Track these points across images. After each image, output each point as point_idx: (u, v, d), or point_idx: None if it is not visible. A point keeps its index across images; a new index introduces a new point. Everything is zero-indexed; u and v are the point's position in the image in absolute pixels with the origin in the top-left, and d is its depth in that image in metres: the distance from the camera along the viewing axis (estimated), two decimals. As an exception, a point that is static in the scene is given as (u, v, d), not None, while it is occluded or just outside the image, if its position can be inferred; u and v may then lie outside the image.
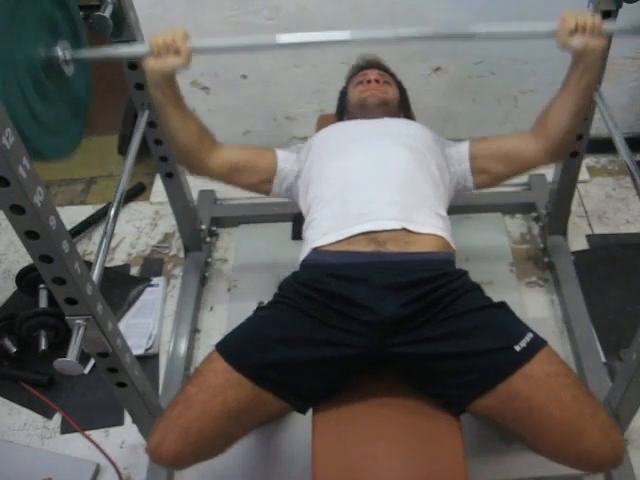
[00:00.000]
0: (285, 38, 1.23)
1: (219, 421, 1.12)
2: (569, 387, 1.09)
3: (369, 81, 1.54)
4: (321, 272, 1.22)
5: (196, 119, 1.37)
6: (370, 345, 1.16)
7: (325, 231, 1.28)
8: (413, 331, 1.16)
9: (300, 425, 1.24)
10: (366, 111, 1.51)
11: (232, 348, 1.19)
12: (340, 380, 1.21)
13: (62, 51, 1.14)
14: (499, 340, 1.13)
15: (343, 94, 1.65)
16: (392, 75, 1.63)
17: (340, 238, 1.25)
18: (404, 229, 1.24)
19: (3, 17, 0.98)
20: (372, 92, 1.52)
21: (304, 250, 1.31)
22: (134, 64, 1.41)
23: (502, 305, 1.21)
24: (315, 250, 1.27)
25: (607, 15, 1.33)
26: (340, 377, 1.20)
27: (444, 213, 1.34)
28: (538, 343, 1.14)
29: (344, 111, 1.62)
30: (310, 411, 1.22)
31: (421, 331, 1.16)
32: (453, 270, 1.24)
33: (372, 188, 1.31)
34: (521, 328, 1.16)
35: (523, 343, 1.12)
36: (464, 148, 1.43)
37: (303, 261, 1.30)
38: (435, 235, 1.26)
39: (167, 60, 1.20)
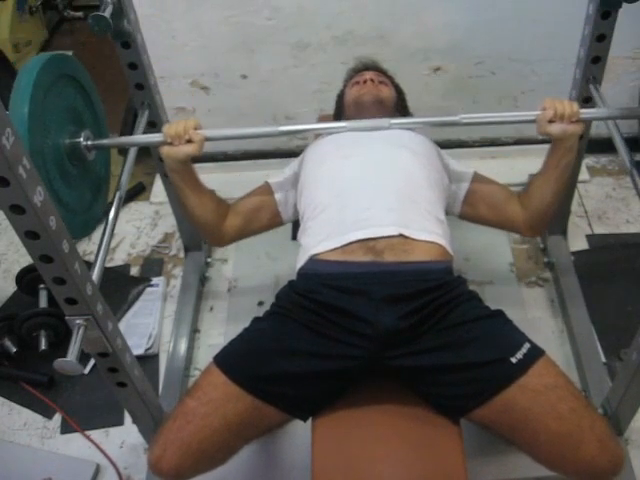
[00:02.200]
0: (286, 127, 1.34)
1: (219, 434, 1.12)
2: (566, 399, 1.09)
3: (365, 81, 1.55)
4: (318, 282, 1.22)
5: (213, 196, 1.44)
6: (368, 357, 1.16)
7: (322, 238, 1.27)
8: (410, 343, 1.16)
9: (300, 429, 1.24)
10: (361, 110, 1.51)
11: (231, 361, 1.19)
12: (339, 391, 1.21)
13: (85, 139, 1.24)
14: (495, 352, 1.13)
15: (340, 96, 1.66)
16: (389, 77, 1.63)
17: (337, 245, 1.24)
18: (402, 235, 1.23)
19: (34, 112, 1.05)
20: (367, 90, 1.53)
21: (301, 257, 1.30)
22: (134, 64, 1.42)
23: (499, 314, 1.21)
24: (312, 258, 1.27)
25: (587, 101, 1.45)
26: (339, 388, 1.20)
27: (443, 217, 1.33)
28: (535, 354, 1.13)
29: (341, 114, 1.62)
30: (310, 415, 1.22)
31: (418, 343, 1.16)
32: (451, 279, 1.24)
33: (369, 193, 1.30)
34: (518, 338, 1.16)
35: (520, 355, 1.12)
36: (467, 177, 1.47)
37: (300, 269, 1.29)
38: (433, 242, 1.25)
39: (181, 148, 1.29)
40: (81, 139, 1.23)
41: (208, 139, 1.30)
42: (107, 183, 1.40)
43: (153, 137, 1.36)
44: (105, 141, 1.32)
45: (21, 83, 1.07)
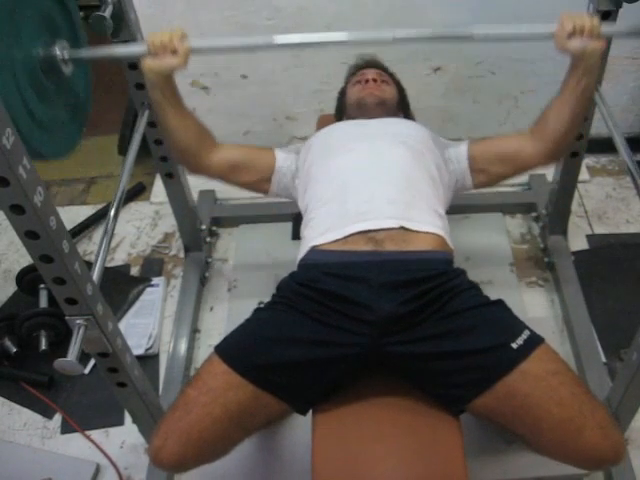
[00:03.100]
0: (283, 39, 1.24)
1: (220, 424, 1.12)
2: (568, 384, 1.09)
3: (367, 80, 1.54)
4: (319, 271, 1.22)
5: (195, 118, 1.37)
6: (368, 344, 1.16)
7: (323, 230, 1.28)
8: (411, 330, 1.16)
9: (300, 425, 1.24)
10: (364, 110, 1.51)
11: (231, 350, 1.19)
12: (339, 381, 1.21)
13: (61, 50, 1.13)
14: (496, 338, 1.13)
15: (342, 94, 1.66)
16: (391, 75, 1.63)
17: (338, 237, 1.25)
18: (402, 227, 1.23)
19: (2, 16, 0.97)
20: (370, 91, 1.52)
21: (302, 249, 1.31)
22: (134, 64, 1.41)
23: (499, 302, 1.22)
24: (313, 249, 1.27)
25: (606, 16, 1.33)
26: (339, 378, 1.20)
27: (442, 212, 1.34)
28: (535, 340, 1.14)
29: (343, 111, 1.62)
30: (310, 411, 1.22)
31: (418, 330, 1.16)
32: (451, 269, 1.24)
33: (371, 187, 1.31)
34: (518, 325, 1.17)
35: (520, 340, 1.12)
36: (463, 148, 1.44)
37: (301, 260, 1.30)
38: (433, 234, 1.26)
39: (164, 60, 1.20)
40: (56, 50, 1.12)
41: (195, 51, 1.21)
42: (86, 104, 1.28)
43: (135, 48, 1.28)
44: (82, 52, 1.20)
45: None
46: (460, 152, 1.43)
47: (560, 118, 1.30)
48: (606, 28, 1.19)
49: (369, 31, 1.25)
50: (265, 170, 1.45)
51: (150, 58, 1.22)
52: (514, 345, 1.11)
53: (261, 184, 1.47)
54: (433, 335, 1.15)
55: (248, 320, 1.25)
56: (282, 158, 1.46)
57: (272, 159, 1.45)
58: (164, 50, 1.20)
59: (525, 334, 1.14)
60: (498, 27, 1.25)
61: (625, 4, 1.31)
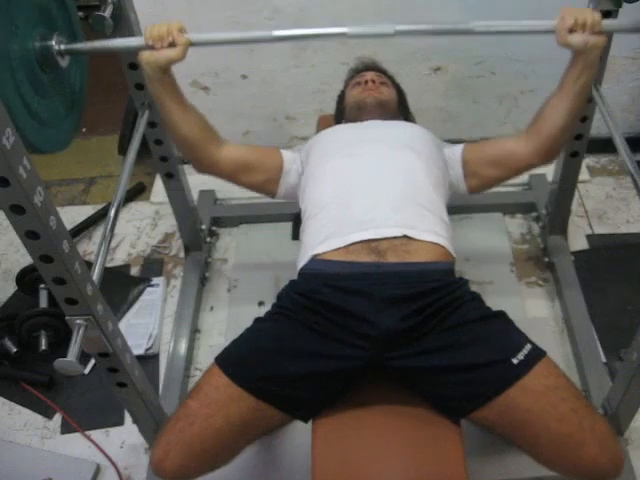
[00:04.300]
0: (281, 32, 1.22)
1: (222, 435, 1.12)
2: (568, 400, 1.09)
3: (366, 82, 1.54)
4: (320, 282, 1.21)
5: (196, 111, 1.35)
6: (369, 358, 1.16)
7: (324, 237, 1.26)
8: (411, 344, 1.15)
9: (300, 430, 1.24)
10: (363, 112, 1.51)
11: (232, 362, 1.18)
12: (340, 392, 1.20)
13: (57, 43, 1.12)
14: (497, 353, 1.13)
15: (341, 97, 1.65)
16: (390, 77, 1.63)
17: (340, 245, 1.23)
18: (405, 236, 1.22)
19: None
20: (369, 92, 1.52)
21: (302, 256, 1.29)
22: (134, 64, 1.41)
23: (501, 315, 1.21)
24: (314, 258, 1.26)
25: (607, 15, 1.32)
26: (340, 389, 1.20)
27: (446, 218, 1.32)
28: (536, 354, 1.13)
29: (342, 114, 1.62)
30: (310, 416, 1.22)
31: (419, 344, 1.15)
32: (452, 280, 1.23)
33: (373, 193, 1.29)
34: (520, 339, 1.16)
35: (521, 355, 1.12)
36: (458, 151, 1.42)
37: (301, 269, 1.28)
38: (435, 244, 1.24)
39: (162, 52, 1.19)
40: (53, 42, 1.11)
41: (193, 44, 1.20)
42: (82, 97, 1.28)
43: (132, 41, 1.27)
44: (79, 45, 1.19)
45: None
46: (455, 156, 1.42)
47: (557, 114, 1.29)
48: (607, 23, 1.19)
49: (369, 25, 1.24)
50: (273, 171, 1.44)
51: (148, 51, 1.20)
52: (515, 360, 1.11)
53: (268, 185, 1.45)
54: (434, 349, 1.15)
55: (248, 330, 1.24)
56: (289, 160, 1.45)
57: (280, 160, 1.44)
58: (162, 42, 1.18)
59: (526, 349, 1.13)
60: (499, 23, 1.24)
61: (625, 4, 1.31)
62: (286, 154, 1.46)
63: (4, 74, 0.98)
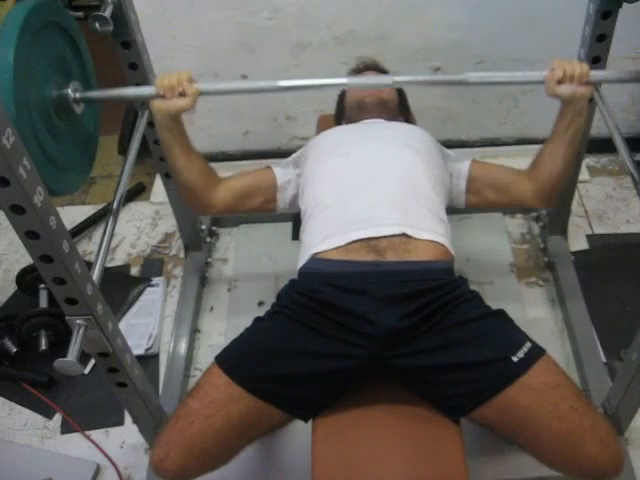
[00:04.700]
0: (286, 82, 1.30)
1: (223, 435, 1.12)
2: (568, 398, 1.09)
3: None
4: (320, 282, 1.21)
5: (201, 158, 1.39)
6: (369, 357, 1.16)
7: (323, 236, 1.27)
8: (411, 343, 1.16)
9: (300, 429, 1.24)
10: (363, 111, 1.51)
11: (232, 362, 1.18)
12: (340, 391, 1.21)
13: (73, 91, 1.19)
14: (497, 351, 1.13)
15: (341, 97, 1.65)
16: None
17: (340, 244, 1.23)
18: (404, 234, 1.23)
19: (19, 60, 1.01)
20: (369, 91, 1.52)
21: (302, 255, 1.30)
22: (135, 64, 1.41)
23: (500, 313, 1.21)
24: (314, 257, 1.26)
25: (596, 60, 1.40)
26: (340, 388, 1.20)
27: (445, 217, 1.33)
28: (536, 353, 1.13)
29: (342, 115, 1.62)
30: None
31: (419, 342, 1.16)
32: (452, 279, 1.23)
33: (372, 192, 1.30)
34: (519, 337, 1.16)
35: (521, 353, 1.12)
36: (465, 166, 1.44)
37: (301, 268, 1.28)
38: (435, 242, 1.25)
39: (173, 102, 1.24)
40: (69, 91, 1.17)
41: (202, 93, 1.25)
42: (95, 140, 1.34)
43: (144, 90, 1.32)
44: (94, 93, 1.26)
45: (6, 28, 1.01)
46: (461, 170, 1.44)
47: (553, 161, 1.33)
48: (595, 74, 1.24)
49: (369, 77, 1.33)
50: (268, 191, 1.46)
51: (159, 100, 1.25)
52: (515, 358, 1.11)
53: (268, 205, 1.47)
54: (434, 347, 1.15)
55: (248, 330, 1.24)
56: (281, 175, 1.46)
57: (272, 179, 1.46)
58: (172, 92, 1.23)
59: (526, 347, 1.13)
60: (492, 74, 1.32)
61: (625, 4, 1.31)
62: (278, 171, 1.47)
63: (24, 123, 1.01)
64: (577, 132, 1.29)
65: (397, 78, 1.29)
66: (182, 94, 1.23)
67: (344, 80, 1.31)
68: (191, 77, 1.24)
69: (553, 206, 1.52)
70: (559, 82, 1.22)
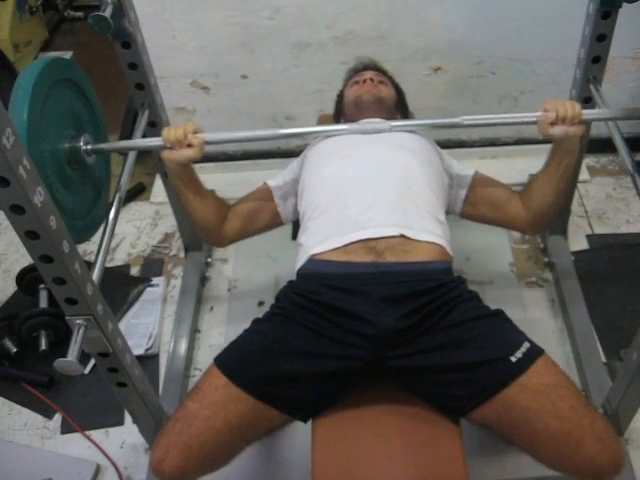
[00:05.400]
0: (288, 130, 1.38)
1: (221, 436, 1.12)
2: (566, 398, 1.09)
3: (364, 80, 1.55)
4: (318, 283, 1.22)
5: (214, 198, 1.44)
6: (368, 358, 1.16)
7: (322, 238, 1.27)
8: (410, 343, 1.16)
9: (300, 430, 1.24)
10: (361, 109, 1.51)
11: (231, 363, 1.18)
12: (339, 392, 1.21)
13: (85, 144, 1.23)
14: (495, 351, 1.13)
15: (340, 96, 1.66)
16: (389, 76, 1.63)
17: (338, 245, 1.24)
18: (402, 236, 1.23)
19: (33, 116, 1.05)
20: (367, 89, 1.53)
21: (300, 257, 1.30)
22: (134, 64, 1.42)
23: (499, 313, 1.21)
24: (312, 258, 1.26)
25: (588, 101, 1.45)
26: (339, 390, 1.20)
27: (443, 218, 1.33)
28: (535, 353, 1.13)
29: (341, 114, 1.62)
30: (310, 416, 1.22)
31: (418, 343, 1.15)
32: (450, 280, 1.23)
33: (370, 194, 1.30)
34: (518, 337, 1.16)
35: (519, 353, 1.12)
36: (469, 175, 1.46)
37: (300, 270, 1.29)
38: (433, 243, 1.25)
39: (181, 153, 1.30)
40: (81, 143, 1.22)
41: (208, 143, 1.31)
42: (107, 186, 1.39)
43: (153, 141, 1.36)
44: (105, 145, 1.31)
45: (20, 89, 1.06)
46: (464, 178, 1.46)
47: (544, 193, 1.36)
48: (587, 113, 1.27)
49: (367, 123, 1.40)
50: (270, 209, 1.50)
51: (168, 151, 1.31)
52: (513, 358, 1.11)
53: (274, 220, 1.52)
54: (432, 347, 1.15)
55: (247, 331, 1.24)
56: (277, 187, 1.50)
57: (270, 195, 1.50)
58: (180, 144, 1.29)
59: (524, 347, 1.13)
60: (485, 118, 1.34)
61: (625, 4, 1.31)
62: (273, 185, 1.50)
63: (39, 175, 1.02)
64: (569, 167, 1.32)
65: (394, 123, 1.38)
66: (189, 145, 1.29)
67: (344, 127, 1.40)
68: (197, 128, 1.30)
69: (541, 232, 1.55)
70: (552, 123, 1.25)
